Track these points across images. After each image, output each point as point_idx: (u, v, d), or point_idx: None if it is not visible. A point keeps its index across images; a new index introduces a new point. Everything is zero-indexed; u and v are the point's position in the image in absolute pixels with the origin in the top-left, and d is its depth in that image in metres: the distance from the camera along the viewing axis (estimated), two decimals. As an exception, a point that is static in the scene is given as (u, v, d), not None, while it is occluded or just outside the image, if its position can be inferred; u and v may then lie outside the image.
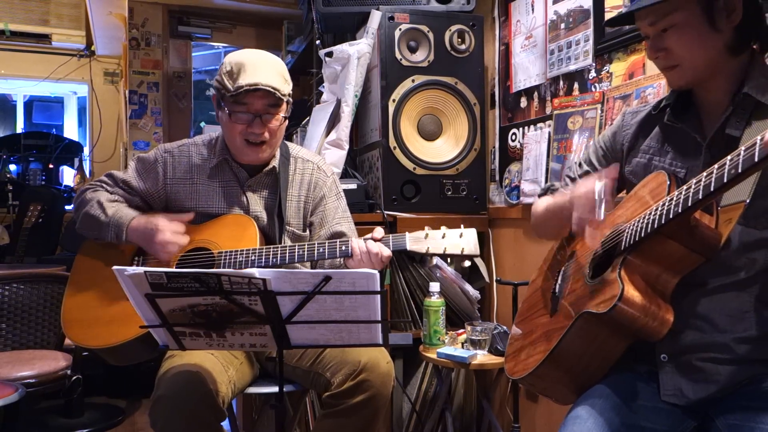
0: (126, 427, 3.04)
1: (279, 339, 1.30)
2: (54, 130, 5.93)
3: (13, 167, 4.95)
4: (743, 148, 0.90)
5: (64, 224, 4.25)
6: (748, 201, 1.06)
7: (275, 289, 1.20)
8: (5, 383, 2.00)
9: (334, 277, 1.19)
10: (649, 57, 1.23)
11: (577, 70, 2.11)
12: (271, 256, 1.61)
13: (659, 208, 1.08)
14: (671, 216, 1.04)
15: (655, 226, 1.08)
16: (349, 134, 2.53)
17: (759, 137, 0.87)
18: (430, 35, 2.48)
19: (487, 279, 2.53)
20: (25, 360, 2.49)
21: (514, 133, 2.48)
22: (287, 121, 1.72)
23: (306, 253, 1.60)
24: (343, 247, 1.58)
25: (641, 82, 1.82)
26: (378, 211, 2.41)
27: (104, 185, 1.79)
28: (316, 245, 1.60)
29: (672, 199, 1.05)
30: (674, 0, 1.13)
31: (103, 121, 5.74)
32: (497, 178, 2.58)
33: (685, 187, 1.03)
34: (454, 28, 2.50)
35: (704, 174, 0.98)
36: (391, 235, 1.61)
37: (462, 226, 1.62)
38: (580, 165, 1.50)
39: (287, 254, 1.60)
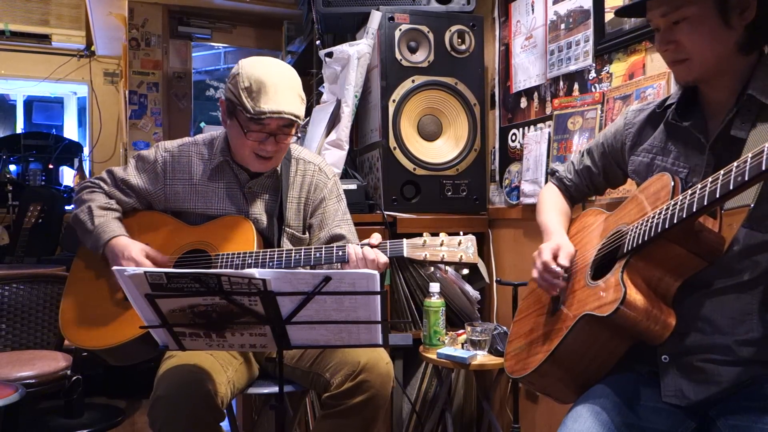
0: (126, 427, 3.04)
1: (279, 339, 1.30)
2: (54, 130, 5.94)
3: (13, 167, 4.96)
4: (750, 155, 0.89)
5: (64, 224, 4.25)
6: (752, 205, 1.06)
7: (275, 290, 1.20)
8: (5, 383, 1.99)
9: (334, 277, 1.19)
10: (658, 50, 1.22)
11: (577, 71, 2.11)
12: (267, 260, 1.61)
13: (663, 212, 1.08)
14: (675, 221, 1.04)
15: (659, 230, 1.07)
16: (349, 135, 2.53)
17: (767, 145, 0.87)
18: (430, 35, 2.47)
19: (487, 279, 2.52)
20: (25, 360, 2.49)
21: (514, 134, 2.48)
22: None
23: (303, 257, 1.60)
24: (340, 253, 1.58)
25: (641, 82, 1.82)
26: (378, 212, 2.41)
27: (102, 185, 1.78)
28: (312, 250, 1.60)
29: (676, 204, 1.05)
30: None
31: (103, 121, 5.74)
32: (497, 178, 2.58)
33: (690, 191, 1.02)
34: (454, 28, 2.50)
35: (710, 179, 0.97)
36: (388, 241, 1.60)
37: (461, 232, 1.61)
38: (583, 155, 1.51)
39: (284, 258, 1.60)
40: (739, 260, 1.09)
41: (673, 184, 1.13)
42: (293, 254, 1.60)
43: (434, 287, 2.19)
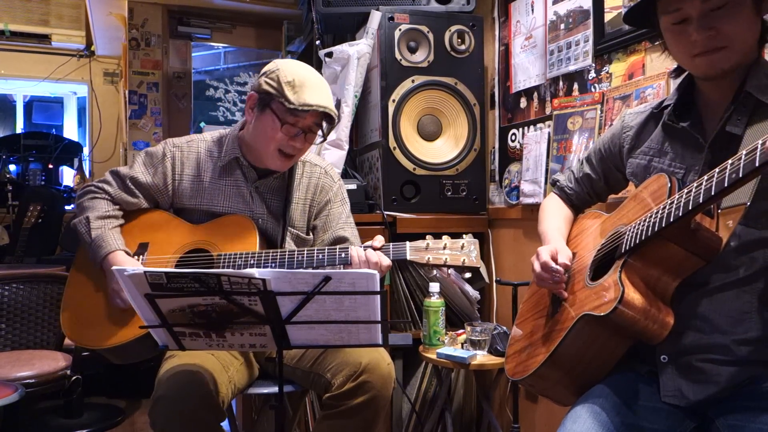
0: (126, 427, 3.04)
1: (279, 339, 1.30)
2: (54, 130, 5.94)
3: (12, 167, 4.95)
4: (744, 152, 0.90)
5: (64, 224, 4.25)
6: (748, 203, 1.06)
7: (275, 290, 1.20)
8: (5, 383, 2.00)
9: (333, 277, 1.19)
10: (693, 39, 1.13)
11: (577, 71, 2.11)
12: (270, 261, 1.61)
13: (660, 211, 1.08)
14: (672, 219, 1.04)
15: (656, 229, 1.08)
16: (349, 134, 2.53)
17: (760, 142, 0.87)
18: (430, 36, 2.48)
19: (486, 279, 2.53)
20: (24, 360, 2.49)
21: (513, 134, 2.48)
22: None
23: (305, 259, 1.60)
24: (342, 255, 1.58)
25: (641, 82, 1.82)
26: (378, 212, 2.41)
27: (107, 188, 1.74)
28: (315, 251, 1.60)
29: (673, 203, 1.05)
30: None
31: (102, 121, 5.73)
32: (497, 178, 2.58)
33: (686, 190, 1.02)
34: (453, 28, 2.50)
35: (705, 177, 0.98)
36: (391, 244, 1.60)
37: (464, 235, 1.61)
38: (582, 163, 1.51)
39: (286, 260, 1.60)
40: (736, 256, 1.10)
41: (669, 184, 1.14)
42: (296, 255, 1.60)
43: (434, 287, 2.19)
